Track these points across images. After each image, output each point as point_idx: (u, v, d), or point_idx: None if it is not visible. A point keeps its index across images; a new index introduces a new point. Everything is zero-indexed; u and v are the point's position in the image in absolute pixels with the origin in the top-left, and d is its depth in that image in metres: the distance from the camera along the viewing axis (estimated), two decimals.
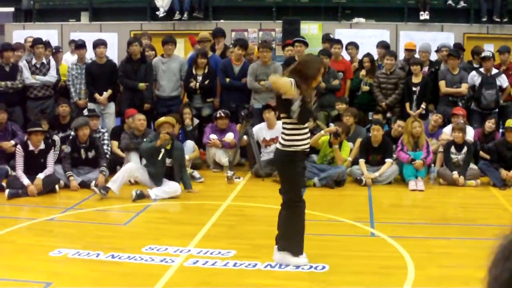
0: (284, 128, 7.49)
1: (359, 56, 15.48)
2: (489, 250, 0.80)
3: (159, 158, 11.44)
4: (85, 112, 13.80)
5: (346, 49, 15.73)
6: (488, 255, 0.81)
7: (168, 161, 11.55)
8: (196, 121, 14.02)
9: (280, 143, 7.53)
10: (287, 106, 7.34)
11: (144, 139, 12.02)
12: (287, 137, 7.44)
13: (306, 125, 7.58)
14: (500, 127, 13.95)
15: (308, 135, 7.70)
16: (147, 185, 11.51)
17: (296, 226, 7.63)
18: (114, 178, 11.41)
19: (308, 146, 7.67)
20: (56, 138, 12.63)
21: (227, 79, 14.18)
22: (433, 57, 15.46)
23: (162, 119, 11.91)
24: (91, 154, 12.21)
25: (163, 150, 11.45)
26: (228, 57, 14.72)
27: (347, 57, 15.62)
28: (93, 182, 11.67)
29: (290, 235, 7.67)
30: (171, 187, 11.41)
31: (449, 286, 7.01)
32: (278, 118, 12.23)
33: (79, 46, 14.72)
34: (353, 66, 15.24)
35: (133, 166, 11.69)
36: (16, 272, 7.37)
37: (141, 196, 11.10)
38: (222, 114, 13.56)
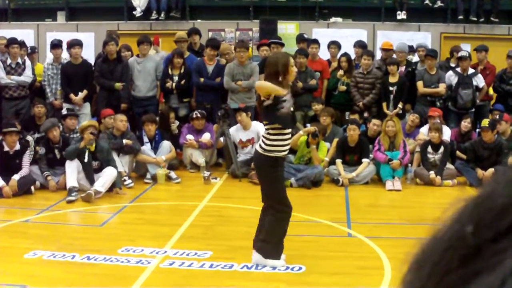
0: (267, 133, 7.46)
1: (337, 56, 15.49)
2: (406, 258, 0.80)
3: (86, 160, 11.51)
4: (64, 111, 13.73)
5: (329, 47, 15.75)
6: (404, 263, 0.81)
7: (94, 163, 11.65)
8: (176, 122, 13.97)
9: (261, 147, 7.49)
10: (270, 113, 7.34)
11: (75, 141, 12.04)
12: (269, 142, 7.41)
13: (289, 130, 7.61)
14: (478, 126, 13.99)
15: (290, 138, 7.73)
16: (83, 185, 11.52)
17: (278, 232, 7.61)
18: (67, 176, 11.36)
19: (288, 148, 7.69)
20: (30, 138, 12.48)
21: (201, 79, 14.12)
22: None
23: (86, 123, 11.99)
24: None
25: (87, 151, 11.52)
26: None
27: (325, 57, 15.62)
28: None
29: (271, 240, 7.64)
30: (107, 173, 11.50)
31: None
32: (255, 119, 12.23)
33: (55, 45, 14.61)
34: (333, 66, 15.24)
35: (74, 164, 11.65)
36: None
37: (88, 198, 11.08)
38: (198, 115, 13.50)
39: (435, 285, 0.74)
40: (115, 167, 11.74)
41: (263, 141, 7.49)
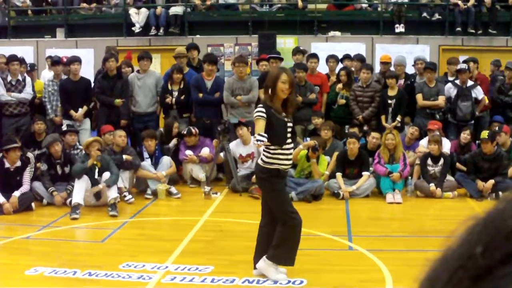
0: (267, 148, 7.47)
1: (336, 69, 15.54)
2: (418, 275, 0.80)
3: (96, 176, 11.62)
4: (64, 127, 13.74)
5: (327, 61, 15.80)
6: (416, 280, 0.81)
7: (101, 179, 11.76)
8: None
9: (262, 160, 7.50)
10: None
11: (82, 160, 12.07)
12: (270, 155, 7.43)
13: (291, 145, 7.63)
14: (477, 138, 13.99)
15: (292, 152, 7.75)
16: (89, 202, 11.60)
17: (290, 238, 7.56)
18: (75, 192, 11.32)
19: (290, 163, 7.70)
20: (30, 155, 12.46)
21: (200, 94, 14.14)
22: (411, 70, 15.57)
23: (90, 139, 12.10)
24: (67, 170, 12.11)
25: (96, 168, 11.62)
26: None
27: (324, 71, 15.65)
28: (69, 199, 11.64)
29: (282, 245, 7.58)
30: (105, 178, 11.65)
31: None
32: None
33: (55, 62, 14.66)
34: (332, 80, 15.28)
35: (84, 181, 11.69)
36: None
37: (115, 207, 11.23)
38: (190, 132, 13.45)
39: None
40: (112, 172, 11.78)
41: (264, 154, 7.51)
